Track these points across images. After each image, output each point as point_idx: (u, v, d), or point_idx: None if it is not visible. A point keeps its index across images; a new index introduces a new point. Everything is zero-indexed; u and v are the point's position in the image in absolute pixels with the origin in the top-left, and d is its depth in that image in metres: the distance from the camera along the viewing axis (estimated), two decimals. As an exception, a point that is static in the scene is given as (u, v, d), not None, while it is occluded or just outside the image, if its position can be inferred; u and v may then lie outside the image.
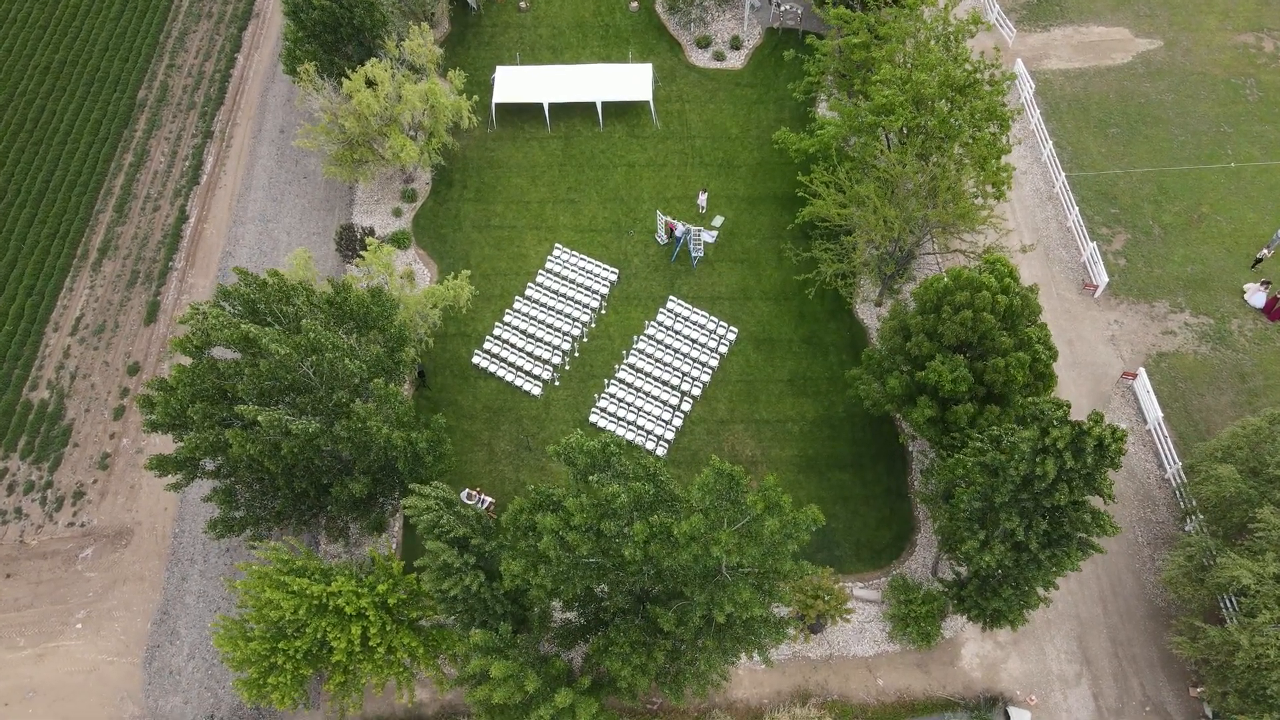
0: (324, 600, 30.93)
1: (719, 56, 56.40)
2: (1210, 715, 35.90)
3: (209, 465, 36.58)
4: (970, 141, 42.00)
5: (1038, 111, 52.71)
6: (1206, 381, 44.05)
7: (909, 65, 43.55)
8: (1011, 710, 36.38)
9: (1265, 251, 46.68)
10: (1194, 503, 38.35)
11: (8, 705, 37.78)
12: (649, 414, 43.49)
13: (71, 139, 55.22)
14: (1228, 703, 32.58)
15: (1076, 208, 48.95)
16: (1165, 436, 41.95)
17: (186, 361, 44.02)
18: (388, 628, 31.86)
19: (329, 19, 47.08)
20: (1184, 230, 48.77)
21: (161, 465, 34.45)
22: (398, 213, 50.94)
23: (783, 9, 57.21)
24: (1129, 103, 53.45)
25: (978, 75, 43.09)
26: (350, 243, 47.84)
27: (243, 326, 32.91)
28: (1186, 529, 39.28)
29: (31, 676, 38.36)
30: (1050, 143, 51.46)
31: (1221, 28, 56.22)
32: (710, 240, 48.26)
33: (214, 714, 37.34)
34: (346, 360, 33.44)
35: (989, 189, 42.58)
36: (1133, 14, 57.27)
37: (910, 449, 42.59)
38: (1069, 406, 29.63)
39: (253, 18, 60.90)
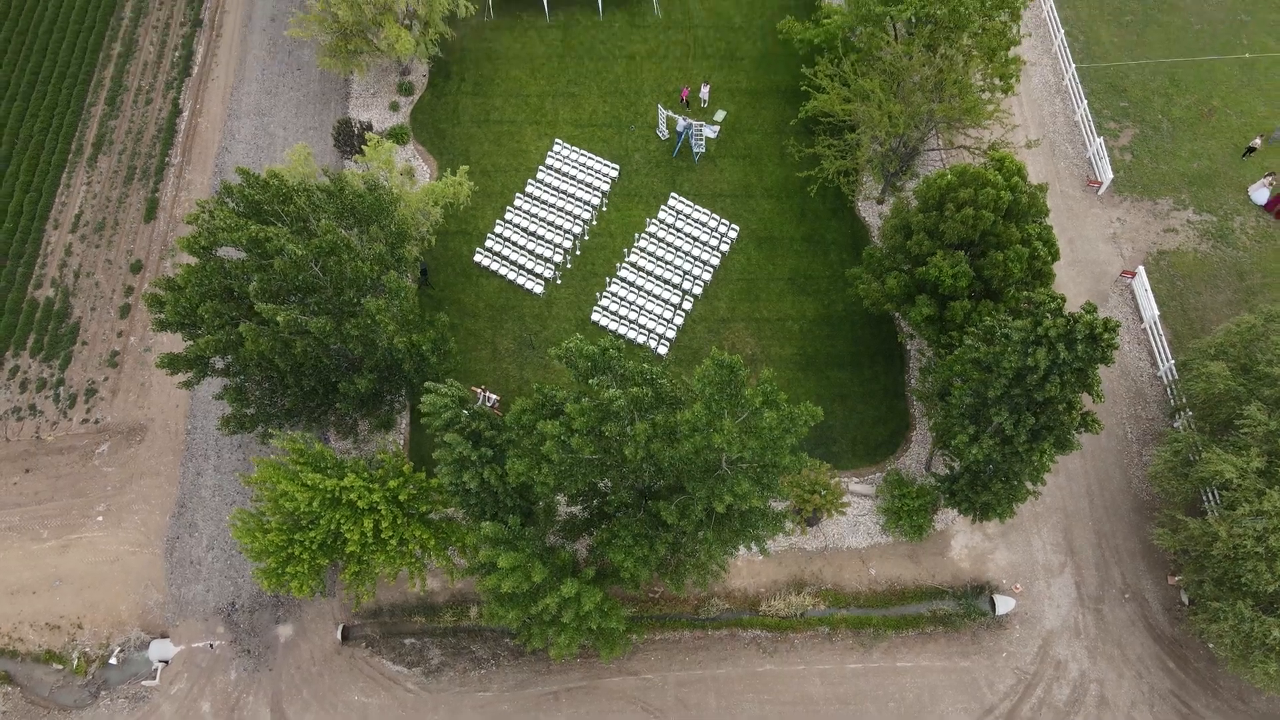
0: (337, 494, 31.95)
1: (723, -61, 54.21)
2: (1186, 601, 37.59)
3: (218, 364, 37.11)
4: (980, 32, 40.93)
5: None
6: (1205, 280, 44.23)
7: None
8: (997, 598, 38.06)
9: (1258, 141, 46.05)
10: (1184, 400, 39.06)
11: (36, 593, 39.48)
12: (651, 312, 43.83)
13: (58, 28, 53.70)
14: (1204, 590, 34.04)
15: (1085, 101, 48.04)
16: (1160, 334, 42.42)
17: (192, 260, 44.05)
18: (399, 521, 32.98)
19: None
20: (1193, 125, 48.02)
21: (172, 363, 34.97)
22: (394, 107, 50.02)
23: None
24: (1146, -11, 51.79)
25: (990, -39, 41.66)
26: (349, 138, 47.13)
27: (251, 227, 32.89)
28: (1175, 425, 40.15)
29: (57, 566, 39.93)
30: (1062, 32, 50.10)
31: (1247, -92, 53.90)
32: (712, 135, 47.56)
33: (235, 601, 39.07)
34: (359, 262, 33.58)
35: (997, 82, 41.76)
36: (1156, -108, 54.78)
37: (909, 348, 43.13)
38: (1063, 299, 29.92)
39: (236, -103, 58.20)
